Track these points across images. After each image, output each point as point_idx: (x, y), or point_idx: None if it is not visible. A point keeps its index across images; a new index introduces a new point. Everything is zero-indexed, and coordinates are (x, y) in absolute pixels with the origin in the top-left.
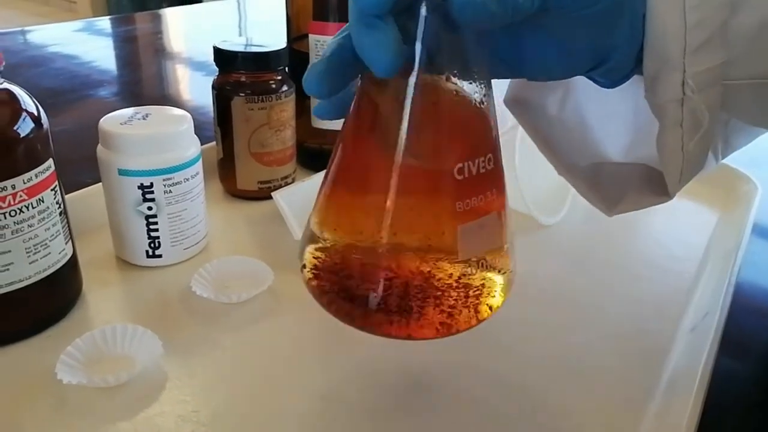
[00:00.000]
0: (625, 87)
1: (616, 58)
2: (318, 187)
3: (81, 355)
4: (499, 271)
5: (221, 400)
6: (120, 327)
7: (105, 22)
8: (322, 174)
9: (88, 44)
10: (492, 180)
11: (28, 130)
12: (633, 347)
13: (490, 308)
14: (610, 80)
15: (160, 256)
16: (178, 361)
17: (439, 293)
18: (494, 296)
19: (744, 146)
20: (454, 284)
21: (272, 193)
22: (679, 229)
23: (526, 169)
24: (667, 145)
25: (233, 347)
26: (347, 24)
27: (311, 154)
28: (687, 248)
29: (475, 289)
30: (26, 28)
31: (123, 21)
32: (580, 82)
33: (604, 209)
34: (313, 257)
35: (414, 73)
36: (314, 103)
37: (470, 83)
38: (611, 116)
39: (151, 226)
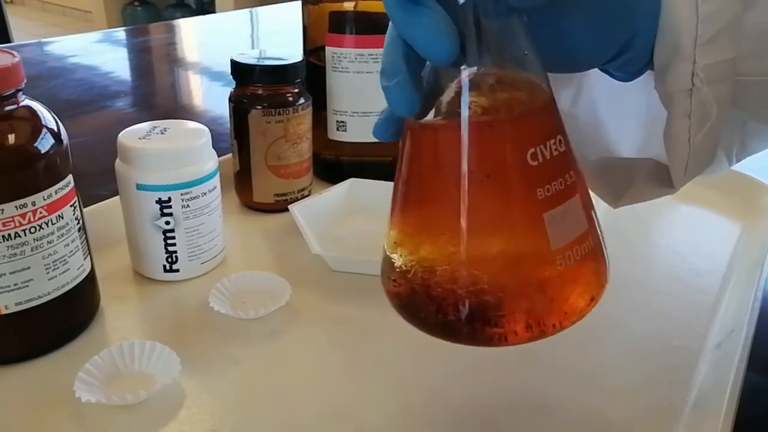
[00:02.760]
0: (638, 84)
1: (636, 48)
2: (334, 199)
3: (99, 373)
4: (596, 257)
5: (240, 419)
6: (138, 343)
7: (121, 33)
8: (339, 186)
9: (106, 55)
10: (567, 162)
11: (48, 147)
12: (657, 364)
13: (593, 298)
14: (627, 73)
15: (177, 270)
16: (196, 378)
17: (540, 289)
18: (596, 285)
19: (761, 151)
20: (553, 278)
21: (289, 207)
22: (701, 241)
23: None
24: (674, 135)
25: (251, 364)
26: (390, 25)
27: (328, 166)
28: (710, 261)
29: (575, 278)
30: (44, 40)
31: (139, 32)
32: (594, 78)
33: (610, 201)
34: (398, 279)
35: (465, 66)
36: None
37: (524, 67)
38: (624, 113)
39: (169, 241)
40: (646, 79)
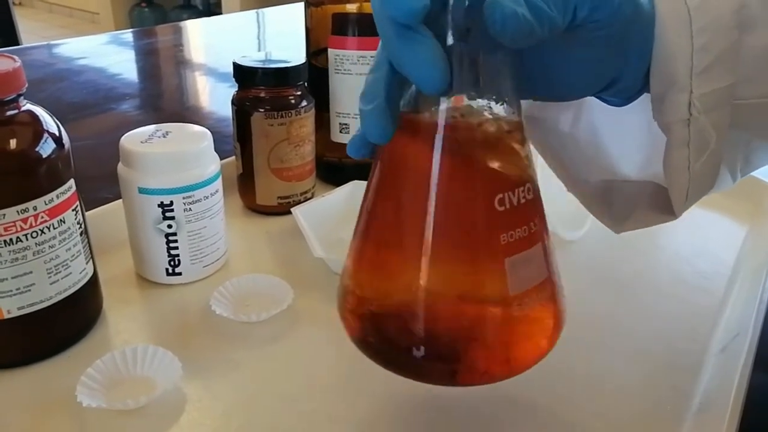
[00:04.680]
0: (638, 105)
1: (628, 78)
2: (337, 202)
3: (101, 377)
4: (553, 305)
5: (241, 423)
6: (140, 348)
7: (128, 35)
8: (341, 188)
9: (112, 57)
10: (533, 209)
11: (49, 151)
12: (661, 367)
13: (547, 345)
14: (621, 99)
15: (179, 273)
16: (197, 382)
17: (495, 334)
18: (551, 333)
19: (765, 165)
20: (508, 323)
21: (292, 209)
22: (706, 243)
23: (548, 182)
24: (673, 164)
25: (253, 368)
26: (378, 50)
27: (331, 168)
28: (715, 263)
29: (531, 325)
30: (52, 42)
31: (145, 34)
32: (593, 100)
33: (612, 226)
34: (355, 312)
35: (448, 99)
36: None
37: (503, 107)
38: (625, 134)
39: (171, 244)
40: (645, 101)
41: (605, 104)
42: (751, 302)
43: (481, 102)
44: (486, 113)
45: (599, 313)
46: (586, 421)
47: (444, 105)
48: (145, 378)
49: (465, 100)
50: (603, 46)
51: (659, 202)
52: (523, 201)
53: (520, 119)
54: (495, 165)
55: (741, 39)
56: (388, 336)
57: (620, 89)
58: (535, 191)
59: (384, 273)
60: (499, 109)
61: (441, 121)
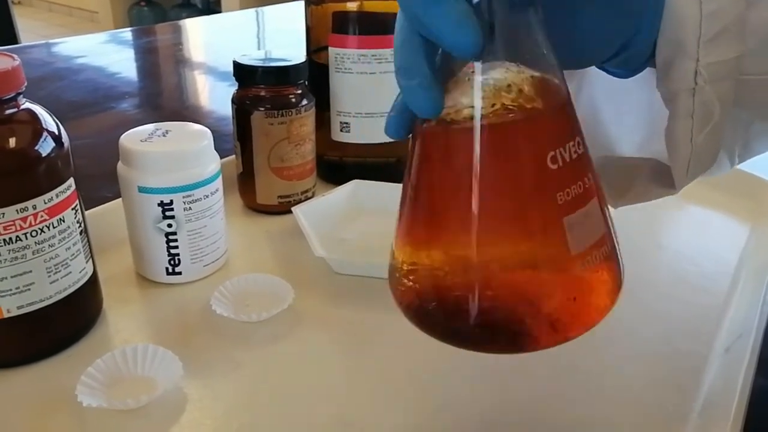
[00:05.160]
0: (639, 81)
1: (638, 44)
2: (338, 201)
3: (102, 376)
4: (613, 260)
5: (242, 423)
6: (141, 347)
7: (127, 34)
8: (342, 188)
9: (112, 56)
10: (585, 164)
11: (49, 150)
12: (664, 368)
13: (611, 300)
14: (626, 69)
15: (179, 273)
16: (198, 382)
17: (560, 295)
18: (613, 288)
19: (764, 152)
20: (572, 283)
21: (292, 208)
22: (709, 243)
23: None
24: (676, 135)
25: (254, 368)
26: (399, 19)
27: (331, 167)
28: (718, 263)
29: (594, 282)
30: (51, 41)
31: (144, 32)
32: (594, 75)
33: (610, 200)
34: (412, 288)
35: (483, 62)
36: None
37: (542, 65)
38: (625, 111)
39: (171, 244)
40: (647, 77)
41: (606, 81)
42: (754, 302)
43: (517, 61)
44: (524, 72)
45: None
46: (589, 421)
47: (480, 68)
48: (145, 377)
49: (501, 61)
50: (618, 8)
51: (659, 177)
52: (575, 156)
53: (561, 74)
54: (541, 123)
55: (747, 12)
56: (451, 309)
57: (629, 57)
58: (584, 145)
59: (442, 243)
60: (537, 67)
61: (479, 85)
